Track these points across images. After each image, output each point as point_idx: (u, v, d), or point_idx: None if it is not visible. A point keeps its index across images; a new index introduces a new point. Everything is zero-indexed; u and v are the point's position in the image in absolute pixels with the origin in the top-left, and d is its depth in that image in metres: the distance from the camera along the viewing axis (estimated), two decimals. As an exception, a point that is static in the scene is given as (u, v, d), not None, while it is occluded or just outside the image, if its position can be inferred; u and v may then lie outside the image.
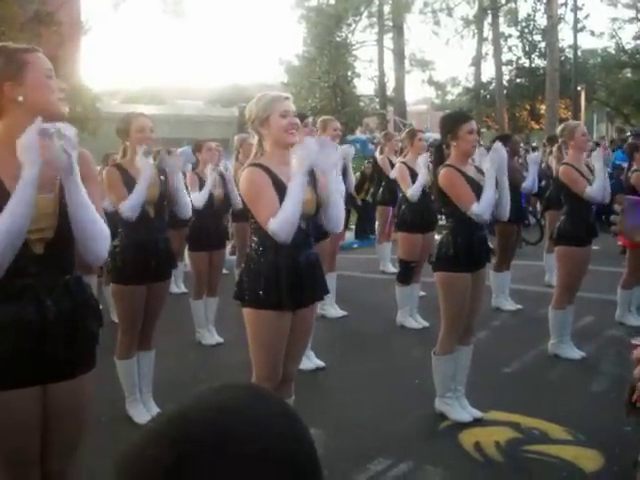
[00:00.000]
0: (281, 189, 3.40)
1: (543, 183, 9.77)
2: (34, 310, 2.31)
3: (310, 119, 5.74)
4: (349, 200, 7.45)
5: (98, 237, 2.41)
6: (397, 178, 7.30)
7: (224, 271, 7.36)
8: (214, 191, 6.55)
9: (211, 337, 6.72)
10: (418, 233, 7.06)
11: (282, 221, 3.29)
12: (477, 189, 4.54)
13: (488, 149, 5.39)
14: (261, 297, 3.44)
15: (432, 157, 4.93)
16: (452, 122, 4.68)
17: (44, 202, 2.33)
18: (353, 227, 13.41)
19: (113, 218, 4.30)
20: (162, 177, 4.75)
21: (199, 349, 6.61)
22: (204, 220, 6.51)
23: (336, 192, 3.63)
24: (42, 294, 2.34)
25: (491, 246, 5.03)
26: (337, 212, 3.64)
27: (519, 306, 7.88)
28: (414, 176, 6.97)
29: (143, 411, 4.81)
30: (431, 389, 4.85)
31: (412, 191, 6.91)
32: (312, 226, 3.65)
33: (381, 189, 9.83)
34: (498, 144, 4.77)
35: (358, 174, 12.60)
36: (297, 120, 3.55)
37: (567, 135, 5.97)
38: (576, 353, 6.04)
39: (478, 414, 4.75)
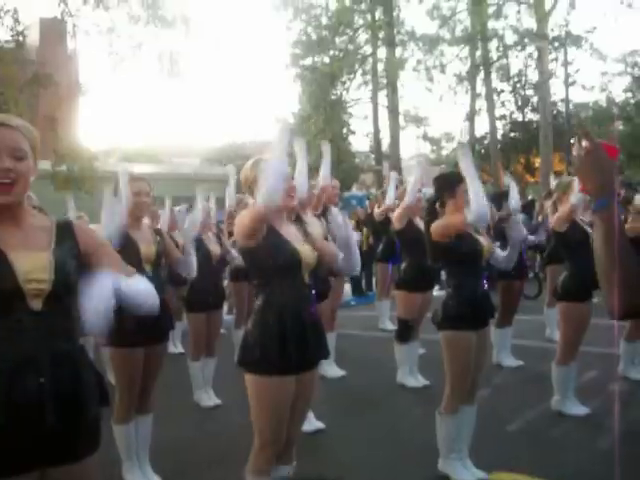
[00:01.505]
0: (278, 242, 3.44)
1: (543, 238, 9.76)
2: (32, 387, 2.17)
3: (312, 181, 5.75)
4: None
5: (146, 295, 2.35)
6: (394, 219, 7.14)
7: (221, 331, 7.29)
8: (211, 248, 6.53)
9: (209, 399, 6.62)
10: (417, 292, 7.00)
11: (265, 189, 3.18)
12: (473, 245, 4.61)
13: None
14: (266, 363, 3.38)
15: (425, 213, 4.92)
16: (450, 181, 4.76)
17: (36, 256, 2.25)
18: (349, 283, 13.37)
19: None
20: (158, 237, 4.73)
21: (197, 411, 6.50)
22: (203, 280, 6.44)
23: (349, 231, 3.64)
24: (41, 365, 2.20)
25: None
26: (354, 255, 3.67)
27: (520, 362, 7.80)
28: (412, 228, 6.94)
29: (140, 476, 4.70)
30: (433, 449, 4.75)
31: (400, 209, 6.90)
32: (315, 281, 3.64)
33: (381, 245, 9.83)
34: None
35: (352, 222, 12.73)
36: (294, 183, 3.55)
37: (562, 190, 6.00)
38: (580, 409, 5.95)
39: (482, 475, 4.65)
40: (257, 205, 3.26)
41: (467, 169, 4.53)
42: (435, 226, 4.62)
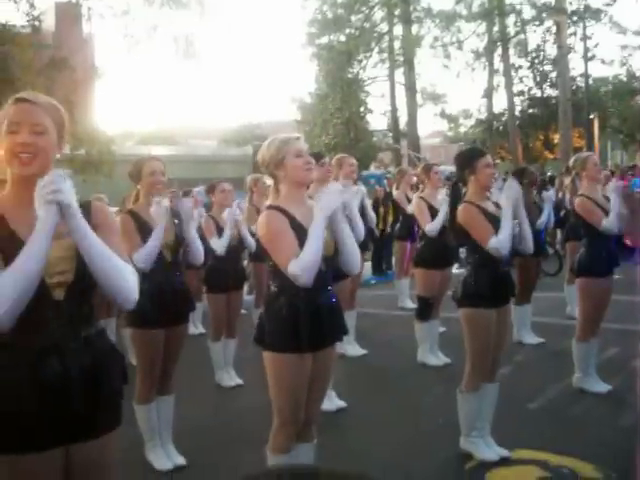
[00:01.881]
0: (299, 231, 3.38)
1: (563, 213, 9.70)
2: (56, 368, 2.24)
3: (327, 158, 5.73)
4: (369, 235, 7.40)
5: (121, 275, 2.31)
6: (415, 213, 7.25)
7: (242, 311, 7.31)
8: (231, 232, 6.54)
9: (230, 379, 6.65)
10: (436, 269, 6.99)
11: (304, 264, 3.26)
12: (497, 223, 4.50)
13: (504, 180, 5.37)
14: (281, 341, 3.40)
15: (449, 193, 4.89)
16: (469, 157, 4.71)
17: (61, 246, 2.28)
18: (370, 261, 13.36)
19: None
20: (176, 220, 4.73)
21: (218, 391, 6.54)
22: (221, 261, 6.48)
23: (349, 238, 3.58)
24: (64, 349, 2.27)
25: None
26: (352, 257, 3.60)
27: (541, 339, 7.77)
28: (432, 210, 6.94)
29: (163, 456, 4.73)
30: (455, 428, 4.76)
31: (431, 227, 6.87)
32: (332, 267, 3.62)
33: (398, 224, 9.81)
34: (512, 181, 4.77)
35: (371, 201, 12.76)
36: (312, 159, 3.55)
37: (579, 166, 5.94)
38: (602, 386, 5.93)
39: (505, 453, 4.65)
40: (289, 267, 3.28)
41: (507, 200, 4.51)
42: (462, 215, 4.56)
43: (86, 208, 2.41)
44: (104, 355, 2.40)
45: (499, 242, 4.41)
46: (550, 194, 8.48)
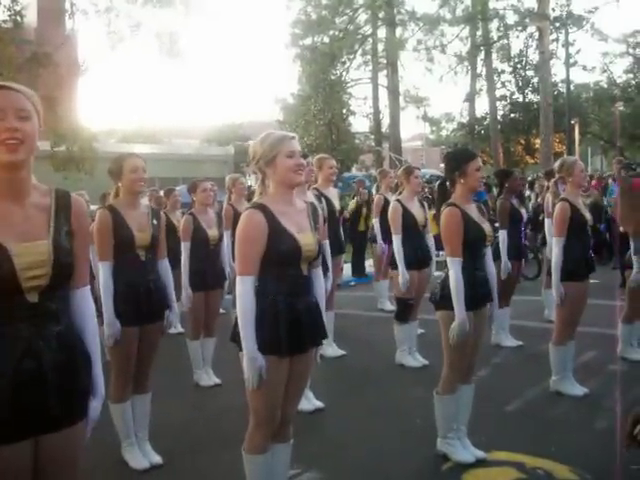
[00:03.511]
0: (279, 233, 3.37)
1: (541, 217, 9.77)
2: (28, 363, 2.24)
3: (310, 158, 5.72)
4: (338, 245, 7.38)
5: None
6: (389, 216, 7.21)
7: (221, 310, 7.29)
8: (209, 232, 6.53)
9: (208, 378, 6.64)
10: (413, 270, 7.00)
11: (244, 294, 3.34)
12: (477, 232, 4.53)
13: (485, 184, 5.39)
14: (259, 342, 3.36)
15: (435, 194, 4.87)
16: (460, 160, 4.66)
17: (37, 249, 2.26)
18: (349, 263, 13.37)
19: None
20: (154, 221, 4.71)
21: (197, 391, 6.52)
22: (200, 261, 6.48)
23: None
24: (37, 351, 2.26)
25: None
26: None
27: (519, 342, 7.81)
28: (407, 214, 6.96)
29: (139, 456, 4.71)
30: (432, 429, 4.77)
31: (396, 240, 6.91)
32: (315, 269, 3.61)
33: (377, 226, 9.82)
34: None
35: (354, 201, 12.94)
36: (303, 161, 3.52)
37: (565, 171, 5.95)
38: (578, 389, 5.97)
39: (481, 454, 4.66)
40: (238, 282, 3.36)
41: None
42: (445, 219, 4.54)
43: (66, 205, 2.40)
44: (74, 350, 2.40)
45: (457, 273, 4.45)
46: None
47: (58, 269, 2.30)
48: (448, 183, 4.71)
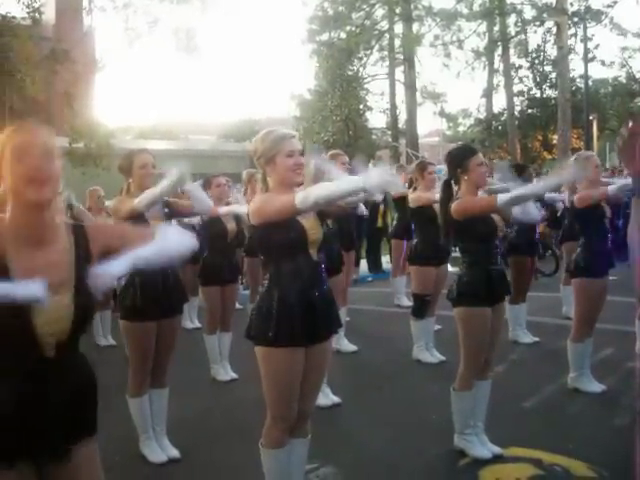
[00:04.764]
0: (286, 221, 3.38)
1: (559, 214, 9.70)
2: (37, 392, 2.22)
3: (323, 155, 5.71)
4: (351, 241, 7.36)
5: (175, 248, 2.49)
6: (419, 202, 7.09)
7: (238, 306, 7.31)
8: (227, 225, 6.55)
9: (225, 373, 6.67)
10: (431, 266, 6.99)
11: (309, 190, 3.21)
12: (488, 224, 4.55)
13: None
14: (271, 336, 3.38)
15: (440, 192, 4.83)
16: (461, 156, 4.64)
17: (60, 303, 2.21)
18: (364, 259, 13.36)
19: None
20: (166, 209, 4.74)
21: (213, 385, 6.55)
22: (216, 255, 6.51)
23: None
24: (46, 376, 2.24)
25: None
26: None
27: (536, 339, 7.78)
28: (423, 208, 6.94)
29: (157, 450, 4.74)
30: (449, 425, 4.76)
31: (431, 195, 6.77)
32: (327, 257, 3.63)
33: (395, 222, 9.81)
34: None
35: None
36: (303, 160, 3.51)
37: (580, 166, 5.91)
38: (596, 386, 5.94)
39: (498, 450, 4.65)
40: (293, 201, 3.21)
41: (558, 176, 4.59)
42: (458, 206, 4.49)
43: (82, 239, 2.36)
44: (83, 381, 2.38)
45: (503, 197, 4.33)
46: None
47: (80, 322, 2.28)
48: (453, 181, 4.70)
